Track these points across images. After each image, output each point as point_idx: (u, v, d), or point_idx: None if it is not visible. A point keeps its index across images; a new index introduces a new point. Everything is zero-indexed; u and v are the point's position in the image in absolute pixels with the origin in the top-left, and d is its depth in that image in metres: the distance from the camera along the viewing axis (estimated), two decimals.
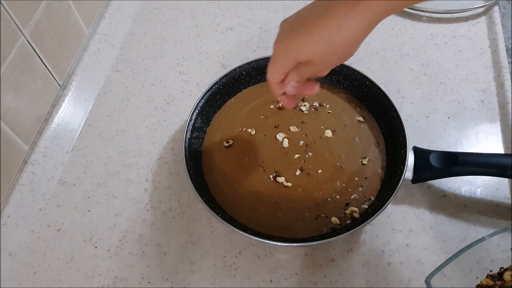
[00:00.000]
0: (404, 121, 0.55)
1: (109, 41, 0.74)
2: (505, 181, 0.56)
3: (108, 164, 0.61)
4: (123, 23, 0.78)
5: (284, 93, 0.45)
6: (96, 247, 0.54)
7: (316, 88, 0.44)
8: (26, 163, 0.57)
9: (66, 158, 0.62)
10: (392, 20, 0.75)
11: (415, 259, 0.51)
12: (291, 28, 0.39)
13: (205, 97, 0.60)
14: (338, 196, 0.54)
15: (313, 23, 0.37)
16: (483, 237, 0.43)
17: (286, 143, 0.58)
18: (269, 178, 0.56)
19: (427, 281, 0.41)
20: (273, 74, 0.42)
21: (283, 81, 0.43)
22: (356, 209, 0.52)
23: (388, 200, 0.49)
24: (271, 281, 0.50)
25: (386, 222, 0.53)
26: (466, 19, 0.74)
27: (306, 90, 0.44)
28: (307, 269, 0.51)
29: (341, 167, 0.56)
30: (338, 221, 0.52)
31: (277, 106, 0.62)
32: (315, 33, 0.37)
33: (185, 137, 0.57)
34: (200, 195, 0.51)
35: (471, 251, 0.43)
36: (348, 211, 0.52)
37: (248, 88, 0.64)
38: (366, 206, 0.53)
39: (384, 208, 0.48)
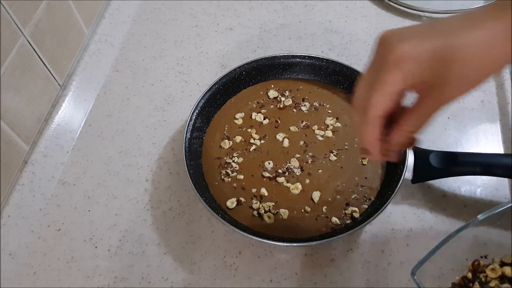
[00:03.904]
0: None
1: (109, 41, 0.74)
2: (505, 181, 0.56)
3: (108, 164, 0.61)
4: (123, 23, 0.78)
5: (382, 150, 0.35)
6: (96, 247, 0.54)
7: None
8: (26, 163, 0.57)
9: (66, 158, 0.62)
10: (392, 20, 0.75)
11: (415, 259, 0.50)
12: (424, 31, 0.32)
13: (205, 97, 0.60)
14: (338, 196, 0.54)
15: (470, 23, 0.31)
16: (468, 223, 0.42)
17: (286, 143, 0.58)
18: (269, 178, 0.56)
19: (413, 272, 0.41)
20: (381, 97, 0.32)
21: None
22: (356, 209, 0.52)
23: (388, 200, 0.49)
24: (271, 281, 0.50)
25: (386, 222, 0.53)
26: None
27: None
28: (307, 269, 0.51)
29: (341, 167, 0.56)
30: (338, 221, 0.52)
31: (278, 106, 0.62)
32: (475, 31, 0.30)
33: (185, 137, 0.57)
34: (200, 195, 0.51)
35: (459, 238, 0.42)
36: (348, 211, 0.52)
37: (248, 88, 0.64)
38: (366, 206, 0.53)
39: (384, 208, 0.48)
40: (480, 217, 0.42)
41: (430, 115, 0.33)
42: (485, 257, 0.44)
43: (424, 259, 0.41)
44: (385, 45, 0.32)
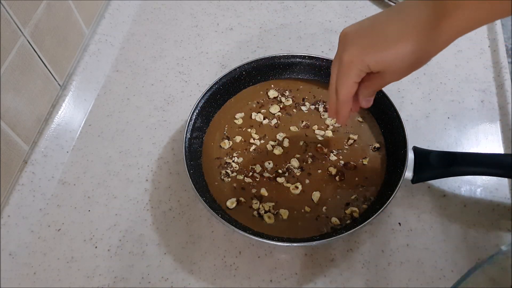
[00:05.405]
0: (404, 121, 0.55)
1: (109, 41, 0.74)
2: (505, 181, 0.56)
3: (108, 164, 0.61)
4: (123, 23, 0.78)
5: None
6: (96, 247, 0.54)
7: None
8: (26, 163, 0.57)
9: (66, 158, 0.62)
10: None
11: (415, 259, 0.51)
12: (366, 38, 0.41)
13: (205, 97, 0.60)
14: (338, 196, 0.54)
15: (396, 38, 0.39)
16: (492, 255, 0.41)
17: (286, 143, 0.58)
18: (269, 178, 0.56)
19: None
20: (348, 87, 0.43)
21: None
22: (356, 209, 0.52)
23: (388, 200, 0.49)
24: (271, 281, 0.50)
25: (386, 222, 0.53)
26: None
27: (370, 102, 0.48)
28: (307, 269, 0.51)
29: (342, 167, 0.56)
30: (338, 221, 0.52)
31: (279, 106, 0.62)
32: (397, 48, 0.39)
33: (185, 137, 0.57)
34: (200, 195, 0.51)
35: (482, 270, 0.41)
36: (348, 211, 0.52)
37: (248, 88, 0.64)
38: (366, 206, 0.53)
39: (384, 208, 0.48)
40: (504, 248, 0.41)
41: (378, 89, 0.45)
42: None
43: None
44: (342, 44, 0.43)
